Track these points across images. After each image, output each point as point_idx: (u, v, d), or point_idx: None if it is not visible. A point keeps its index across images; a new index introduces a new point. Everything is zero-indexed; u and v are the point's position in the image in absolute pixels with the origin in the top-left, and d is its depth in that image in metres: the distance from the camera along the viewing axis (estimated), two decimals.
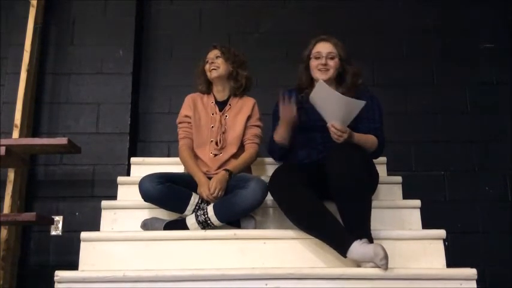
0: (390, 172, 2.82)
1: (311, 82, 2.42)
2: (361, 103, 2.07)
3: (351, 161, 2.00)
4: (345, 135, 2.08)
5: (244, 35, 3.50)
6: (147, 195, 2.25)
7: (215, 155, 2.44)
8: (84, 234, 2.16)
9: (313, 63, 2.38)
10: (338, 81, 2.42)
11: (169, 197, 2.24)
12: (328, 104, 2.10)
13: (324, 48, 2.38)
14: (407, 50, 3.49)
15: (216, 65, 2.52)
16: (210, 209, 2.21)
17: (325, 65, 2.35)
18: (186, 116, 2.52)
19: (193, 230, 2.21)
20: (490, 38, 3.48)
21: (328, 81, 2.35)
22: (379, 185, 2.37)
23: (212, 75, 2.52)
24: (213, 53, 2.55)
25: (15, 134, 2.99)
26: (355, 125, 2.24)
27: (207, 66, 2.54)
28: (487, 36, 3.48)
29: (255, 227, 2.28)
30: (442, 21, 3.53)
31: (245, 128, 2.49)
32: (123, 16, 3.39)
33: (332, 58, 2.36)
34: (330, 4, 3.56)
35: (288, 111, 2.23)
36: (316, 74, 2.37)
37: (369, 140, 2.23)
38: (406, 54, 3.48)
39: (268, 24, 3.55)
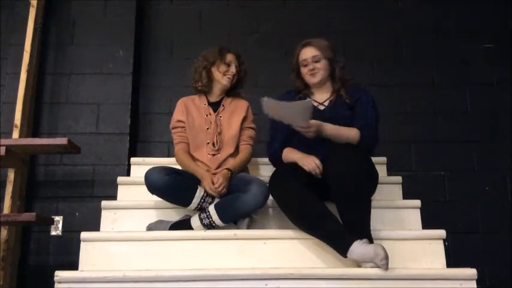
0: (390, 172, 2.82)
1: (306, 85, 2.47)
2: (308, 101, 2.12)
3: (350, 161, 2.00)
4: (313, 129, 2.14)
5: (244, 35, 3.49)
6: (154, 186, 2.24)
7: (213, 155, 2.45)
8: (84, 234, 2.16)
9: (303, 70, 2.43)
10: (332, 79, 2.45)
11: (176, 188, 2.24)
12: (283, 113, 2.16)
13: (308, 53, 2.41)
14: (407, 50, 3.49)
15: (232, 74, 2.51)
16: (213, 212, 2.22)
17: (313, 69, 2.39)
18: (179, 121, 2.52)
19: (198, 230, 2.23)
20: (490, 38, 3.48)
21: (320, 82, 2.41)
22: (379, 185, 2.36)
23: (225, 82, 2.52)
24: (234, 60, 2.53)
25: (15, 134, 2.99)
26: (350, 122, 2.27)
27: (223, 68, 2.51)
28: (487, 36, 3.48)
29: (248, 227, 2.27)
30: (442, 21, 3.54)
31: (241, 128, 2.50)
32: (123, 16, 3.39)
33: (317, 61, 2.39)
34: (329, 4, 3.56)
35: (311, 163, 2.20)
36: (308, 79, 2.43)
37: (342, 132, 2.23)
38: (406, 54, 3.48)
39: (268, 24, 3.55)
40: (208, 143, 2.45)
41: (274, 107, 2.16)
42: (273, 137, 2.44)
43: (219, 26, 3.52)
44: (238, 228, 2.25)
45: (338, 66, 2.40)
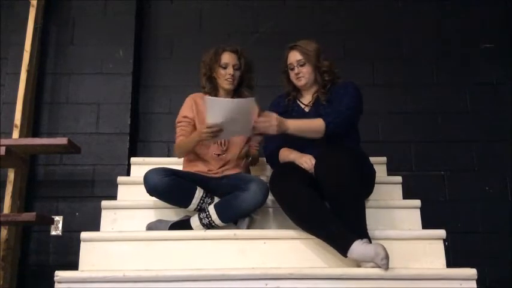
0: (390, 172, 2.82)
1: (295, 87, 2.48)
2: (251, 99, 2.11)
3: (340, 161, 2.01)
4: (274, 121, 2.11)
5: (244, 35, 3.49)
6: (153, 188, 2.23)
7: (218, 155, 2.44)
8: (84, 234, 2.16)
9: (291, 74, 2.45)
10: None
11: (175, 189, 2.23)
12: (229, 114, 2.10)
13: (293, 57, 2.42)
14: (407, 50, 3.49)
15: (231, 76, 2.44)
16: (212, 211, 2.22)
17: (298, 73, 2.40)
18: (186, 117, 2.49)
19: (198, 230, 2.23)
20: (490, 38, 3.48)
21: (307, 85, 2.42)
22: (379, 185, 2.37)
23: (226, 86, 2.47)
24: (231, 59, 2.45)
25: (15, 134, 2.99)
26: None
27: (221, 72, 2.45)
28: (487, 36, 3.48)
29: (248, 227, 2.27)
30: (442, 21, 3.54)
31: None
32: (123, 16, 3.39)
33: (302, 65, 2.40)
34: (329, 4, 3.57)
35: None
36: (295, 82, 2.44)
37: (306, 123, 2.22)
38: (406, 54, 3.48)
39: (268, 24, 3.55)
40: (215, 142, 2.43)
41: (218, 107, 2.12)
42: (268, 139, 2.43)
43: (219, 26, 3.53)
44: (238, 228, 2.26)
45: (322, 69, 2.39)
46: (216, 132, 2.15)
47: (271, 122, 2.12)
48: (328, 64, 2.40)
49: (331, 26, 3.48)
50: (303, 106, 2.44)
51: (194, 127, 2.46)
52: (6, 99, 3.19)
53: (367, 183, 2.29)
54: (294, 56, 2.41)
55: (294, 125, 2.20)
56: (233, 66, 2.46)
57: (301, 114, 2.40)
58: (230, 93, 2.53)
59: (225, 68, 2.45)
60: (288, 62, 2.44)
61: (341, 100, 2.29)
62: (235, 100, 2.15)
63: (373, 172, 2.34)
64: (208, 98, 2.17)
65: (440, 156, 3.28)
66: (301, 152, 2.28)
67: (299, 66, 2.40)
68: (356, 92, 2.34)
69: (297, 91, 2.49)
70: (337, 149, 2.11)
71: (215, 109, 2.11)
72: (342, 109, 2.25)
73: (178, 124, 2.50)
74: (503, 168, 3.24)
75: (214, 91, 2.52)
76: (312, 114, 2.36)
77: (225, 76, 2.45)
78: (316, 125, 2.21)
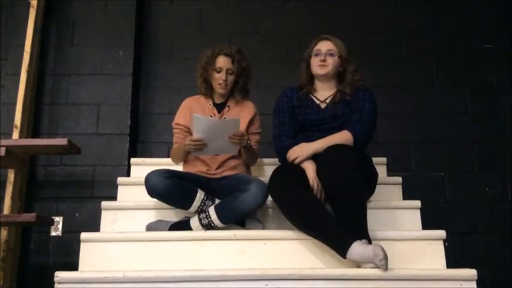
0: (390, 172, 2.81)
1: (310, 80, 2.45)
2: (236, 120, 2.23)
3: (343, 161, 2.00)
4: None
5: (244, 35, 3.49)
6: (154, 190, 2.23)
7: (215, 155, 2.43)
8: (84, 235, 2.16)
9: (313, 60, 2.41)
10: (338, 79, 2.44)
11: (176, 192, 2.23)
12: (212, 130, 2.19)
13: (323, 46, 2.40)
14: (407, 50, 3.49)
15: (224, 81, 2.42)
16: (212, 212, 2.22)
17: (324, 61, 2.37)
18: (178, 124, 2.50)
19: (198, 231, 2.23)
20: (490, 38, 3.48)
21: (326, 76, 2.39)
22: (378, 186, 2.36)
23: (219, 90, 2.46)
24: (226, 63, 2.43)
25: (15, 134, 2.99)
26: (349, 120, 2.28)
27: (215, 76, 2.44)
28: (487, 36, 3.48)
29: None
30: (442, 21, 3.53)
31: (246, 131, 2.43)
32: (123, 16, 3.39)
33: (331, 55, 2.38)
34: (329, 4, 3.57)
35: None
36: (315, 69, 2.40)
37: (331, 140, 2.22)
38: (406, 54, 3.48)
39: (268, 24, 3.55)
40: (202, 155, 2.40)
41: (203, 125, 2.19)
42: (281, 130, 2.38)
43: (219, 26, 3.53)
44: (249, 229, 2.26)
45: (349, 69, 2.38)
46: (199, 145, 2.22)
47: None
48: (355, 66, 2.40)
49: (331, 26, 3.47)
50: (318, 102, 2.40)
51: (188, 133, 2.45)
52: (6, 99, 3.19)
53: (369, 184, 2.28)
54: (326, 45, 2.40)
55: (321, 144, 2.20)
56: (227, 70, 2.43)
57: (315, 110, 2.36)
58: (225, 95, 2.52)
59: (219, 72, 2.44)
60: (316, 48, 2.41)
61: (362, 105, 2.30)
62: (221, 120, 2.21)
63: (376, 173, 2.34)
64: (194, 115, 2.20)
65: (440, 156, 3.28)
66: None
67: (328, 55, 2.38)
68: (373, 97, 2.35)
69: (312, 85, 2.45)
70: (340, 150, 2.10)
71: (200, 126, 2.18)
72: (365, 117, 2.27)
73: (173, 131, 2.52)
74: (503, 168, 3.23)
75: (209, 92, 2.52)
76: (328, 112, 2.34)
77: (218, 81, 2.44)
78: (344, 140, 2.21)
